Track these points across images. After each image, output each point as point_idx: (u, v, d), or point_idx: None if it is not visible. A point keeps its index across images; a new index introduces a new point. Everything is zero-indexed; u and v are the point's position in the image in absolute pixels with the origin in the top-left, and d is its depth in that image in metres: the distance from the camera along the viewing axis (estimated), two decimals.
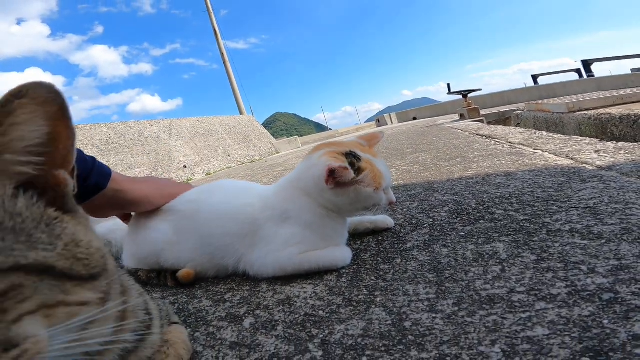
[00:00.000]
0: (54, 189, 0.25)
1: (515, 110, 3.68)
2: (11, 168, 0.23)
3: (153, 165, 4.58)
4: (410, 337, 0.36)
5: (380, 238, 0.63)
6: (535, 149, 1.16)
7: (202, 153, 5.62)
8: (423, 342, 0.34)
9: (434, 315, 0.38)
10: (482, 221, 0.61)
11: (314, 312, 0.44)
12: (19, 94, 0.22)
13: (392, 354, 0.34)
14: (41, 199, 0.25)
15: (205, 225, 0.57)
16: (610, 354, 0.28)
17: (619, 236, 0.46)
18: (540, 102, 3.04)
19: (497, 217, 0.62)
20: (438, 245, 0.55)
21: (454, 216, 0.66)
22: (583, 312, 0.33)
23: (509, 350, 0.31)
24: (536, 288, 0.39)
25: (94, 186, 0.53)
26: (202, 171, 5.24)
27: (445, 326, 0.36)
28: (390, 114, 8.72)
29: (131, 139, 4.71)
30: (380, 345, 0.35)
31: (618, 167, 0.76)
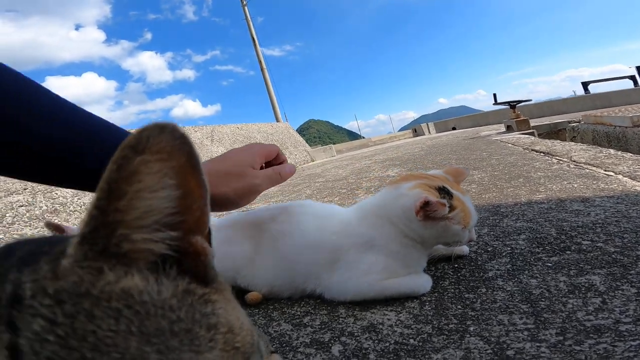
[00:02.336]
0: (193, 260, 0.19)
1: (569, 122, 3.45)
2: (147, 248, 0.17)
3: None
4: None
5: (456, 266, 0.63)
6: (606, 171, 1.09)
7: None
8: None
9: (537, 344, 0.38)
10: (568, 252, 0.59)
11: (404, 341, 0.44)
12: (138, 146, 0.16)
13: None
14: (182, 278, 0.18)
15: (290, 251, 0.58)
16: None
17: None
18: (599, 113, 2.84)
19: (584, 248, 0.59)
20: (525, 276, 0.54)
21: (534, 245, 0.64)
22: None
23: None
24: None
25: None
26: None
27: (553, 354, 0.36)
28: (427, 124, 8.52)
29: None
30: None
31: None
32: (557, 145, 1.82)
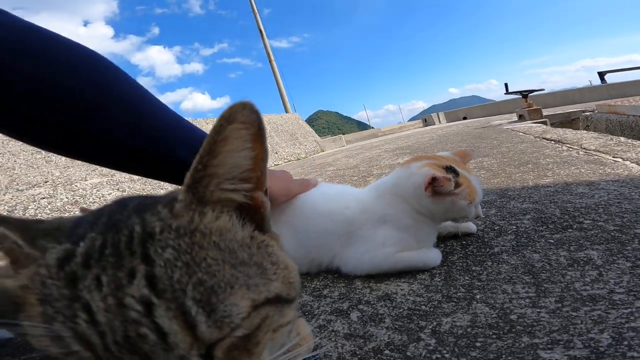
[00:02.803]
0: (255, 212, 0.25)
1: (583, 112, 3.39)
2: (231, 197, 0.23)
3: None
4: (518, 327, 0.40)
5: (464, 242, 0.67)
6: (615, 157, 1.11)
7: None
8: (532, 331, 0.39)
9: (538, 310, 0.43)
10: (570, 230, 0.63)
11: (416, 307, 0.49)
12: (230, 117, 0.21)
13: (504, 340, 0.39)
14: (250, 225, 0.24)
15: (307, 227, 0.63)
16: None
17: None
18: (613, 103, 2.79)
19: (585, 226, 0.63)
20: (528, 251, 0.58)
21: (538, 224, 0.68)
22: None
23: (617, 336, 0.36)
24: (634, 289, 0.43)
25: None
26: None
27: (552, 319, 0.40)
28: (438, 113, 8.44)
29: None
30: (490, 333, 0.40)
31: None
32: (568, 133, 1.83)
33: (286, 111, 8.88)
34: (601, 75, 7.93)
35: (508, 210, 0.80)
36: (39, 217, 3.12)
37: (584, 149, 1.34)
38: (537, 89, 3.70)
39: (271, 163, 5.86)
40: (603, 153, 1.20)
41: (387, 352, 0.41)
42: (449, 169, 0.59)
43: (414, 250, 0.59)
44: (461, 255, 0.62)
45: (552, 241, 0.60)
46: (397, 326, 0.46)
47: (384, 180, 0.67)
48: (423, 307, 0.49)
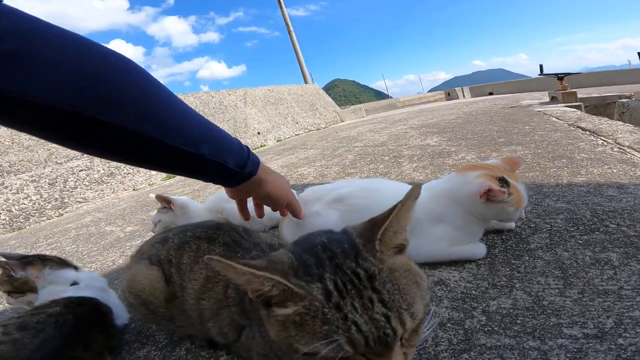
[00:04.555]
0: (402, 247, 0.38)
1: (620, 97, 3.28)
2: (400, 242, 0.37)
3: (232, 131, 5.08)
4: (548, 310, 0.54)
5: (504, 237, 0.80)
6: None
7: (273, 120, 6.00)
8: (559, 314, 0.53)
9: (564, 298, 0.56)
10: (597, 232, 0.74)
11: (467, 292, 0.63)
12: (412, 195, 0.36)
13: (537, 319, 0.52)
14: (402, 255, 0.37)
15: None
16: None
17: None
18: None
19: (610, 230, 0.74)
20: (559, 249, 0.70)
21: (570, 224, 0.80)
22: None
23: (618, 322, 0.49)
24: (638, 287, 0.55)
25: (248, 174, 0.60)
26: (274, 137, 5.64)
27: (574, 306, 0.54)
28: (462, 88, 8.17)
29: (213, 107, 5.24)
30: (527, 314, 0.54)
31: None
32: (603, 123, 1.84)
33: (305, 82, 8.79)
34: None
35: (543, 208, 0.91)
36: (78, 189, 3.36)
37: (619, 144, 1.39)
38: (573, 72, 3.56)
39: (292, 133, 5.95)
40: (636, 151, 1.26)
41: (449, 325, 0.56)
42: (502, 180, 0.70)
43: (464, 244, 0.72)
44: (502, 249, 0.75)
45: (580, 242, 0.72)
46: (454, 306, 0.60)
47: (439, 182, 0.79)
48: (473, 291, 0.63)
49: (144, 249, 0.65)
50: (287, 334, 0.33)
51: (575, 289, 0.58)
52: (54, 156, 3.57)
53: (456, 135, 2.34)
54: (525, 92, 6.12)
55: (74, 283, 0.75)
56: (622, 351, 0.44)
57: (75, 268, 0.80)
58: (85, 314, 0.65)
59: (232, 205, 1.14)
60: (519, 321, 0.53)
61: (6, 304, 1.01)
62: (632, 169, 1.08)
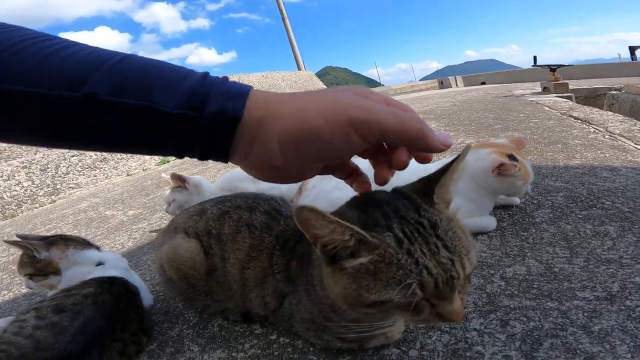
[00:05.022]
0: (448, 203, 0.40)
1: (610, 89, 3.39)
2: (450, 197, 0.39)
3: None
4: (560, 276, 0.60)
5: (510, 212, 0.86)
6: (637, 144, 1.25)
7: None
8: (570, 279, 0.58)
9: (572, 266, 0.62)
10: (594, 208, 0.81)
11: (484, 260, 0.69)
12: (464, 153, 0.37)
13: (552, 284, 0.58)
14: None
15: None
16: None
17: None
18: None
19: (606, 206, 0.81)
20: (562, 223, 0.76)
21: (569, 201, 0.86)
22: None
23: (623, 286, 0.55)
24: (636, 256, 0.61)
25: (217, 115, 0.30)
26: None
27: (582, 272, 0.60)
28: (455, 77, 8.25)
29: None
30: (542, 279, 0.60)
31: None
32: (594, 113, 1.93)
33: (299, 69, 8.70)
34: (632, 49, 7.52)
35: (544, 187, 0.97)
36: (70, 174, 3.29)
37: (609, 132, 1.47)
38: (565, 64, 3.66)
39: None
40: (626, 139, 1.34)
41: (472, 290, 0.61)
42: (511, 157, 0.75)
43: (477, 216, 0.78)
44: (510, 222, 0.81)
45: (580, 216, 0.78)
46: (474, 273, 0.65)
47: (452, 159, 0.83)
48: (489, 260, 0.68)
49: (178, 223, 0.64)
50: (357, 285, 0.35)
51: (581, 258, 0.64)
52: None
53: (453, 122, 2.40)
54: (518, 83, 6.24)
55: (100, 263, 0.72)
56: (632, 311, 0.49)
57: (98, 248, 0.77)
58: (120, 294, 0.62)
59: (245, 184, 1.16)
60: (535, 285, 0.59)
61: (25, 289, 1.01)
62: (623, 154, 1.15)
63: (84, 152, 3.56)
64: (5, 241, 0.69)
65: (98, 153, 3.65)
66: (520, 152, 0.80)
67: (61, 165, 3.40)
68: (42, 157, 3.34)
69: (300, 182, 1.00)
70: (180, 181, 1.11)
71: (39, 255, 0.67)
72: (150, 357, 0.59)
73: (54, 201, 3.00)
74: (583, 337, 0.47)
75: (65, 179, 3.34)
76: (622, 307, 0.50)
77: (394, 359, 0.49)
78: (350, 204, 0.41)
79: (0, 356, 0.48)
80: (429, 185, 0.38)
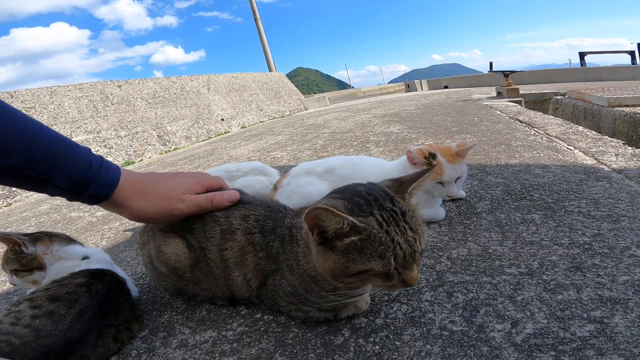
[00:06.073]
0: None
1: (555, 94, 3.76)
2: (413, 194, 0.52)
3: (195, 118, 4.95)
4: (493, 256, 0.73)
5: (457, 204, 0.99)
6: (569, 145, 1.45)
7: (237, 107, 5.93)
8: (500, 258, 0.71)
9: (502, 247, 0.75)
10: (524, 200, 0.96)
11: (434, 244, 0.80)
12: (431, 168, 0.56)
13: (487, 262, 0.71)
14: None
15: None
16: (587, 260, 0.64)
17: (605, 218, 0.80)
18: (583, 91, 3.16)
19: (534, 198, 0.96)
20: (498, 212, 0.91)
21: (505, 194, 1.01)
22: (575, 251, 0.70)
23: (541, 264, 0.68)
24: (554, 239, 0.75)
25: (95, 196, 0.52)
26: (238, 124, 5.59)
27: (510, 253, 0.73)
28: (421, 81, 8.67)
29: (174, 93, 5.04)
30: (479, 259, 0.72)
31: (626, 172, 1.07)
32: (538, 117, 2.17)
33: (270, 70, 8.70)
34: (582, 55, 8.21)
35: (486, 183, 1.12)
36: None
37: (547, 134, 1.68)
38: (518, 70, 4.01)
39: (256, 120, 5.93)
40: (561, 140, 1.54)
41: (424, 269, 0.72)
42: (431, 154, 0.86)
43: (428, 208, 0.90)
44: (456, 213, 0.94)
45: (512, 207, 0.93)
46: (425, 255, 0.77)
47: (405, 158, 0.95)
48: (438, 244, 0.80)
49: None
50: (345, 259, 0.45)
51: (510, 241, 0.77)
52: None
53: (416, 124, 2.57)
54: (477, 87, 6.67)
55: (85, 257, 0.73)
56: (547, 284, 0.61)
57: (81, 244, 0.78)
58: (110, 283, 0.65)
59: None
60: (474, 264, 0.71)
61: (8, 285, 1.00)
62: (555, 154, 1.34)
63: None
64: None
65: None
66: (455, 155, 0.88)
67: None
68: None
69: (277, 179, 1.09)
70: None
71: (26, 250, 0.68)
72: (143, 342, 0.64)
73: (9, 204, 2.84)
74: (509, 305, 0.57)
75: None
76: (540, 281, 0.62)
77: (364, 327, 0.58)
78: (335, 195, 0.51)
79: (1, 346, 0.50)
80: (400, 185, 0.51)
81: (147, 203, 0.56)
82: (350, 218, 0.44)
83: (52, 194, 0.50)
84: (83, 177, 0.49)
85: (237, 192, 0.63)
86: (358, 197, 0.48)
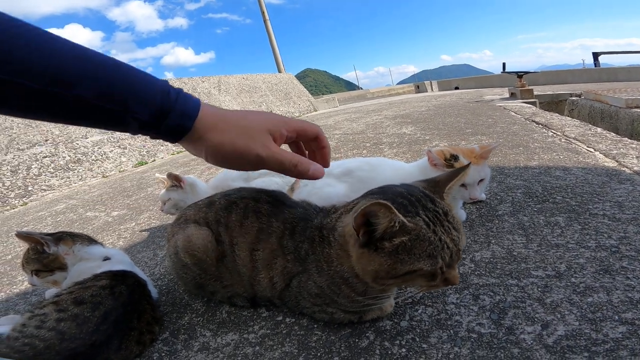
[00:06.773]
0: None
1: (571, 95, 3.69)
2: (449, 194, 0.52)
3: None
4: (518, 258, 0.71)
5: (477, 206, 0.98)
6: (588, 147, 1.42)
7: (247, 108, 5.97)
8: (526, 261, 0.70)
9: (528, 250, 0.73)
10: (547, 203, 0.94)
11: None
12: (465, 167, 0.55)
13: (512, 265, 0.69)
14: None
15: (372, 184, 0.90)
16: (615, 263, 0.62)
17: (630, 221, 0.78)
18: (600, 92, 3.09)
19: (557, 200, 0.94)
20: (520, 215, 0.89)
21: (526, 197, 0.99)
22: (602, 254, 0.68)
23: (569, 266, 0.66)
24: (580, 242, 0.73)
25: (175, 128, 0.42)
26: None
27: (535, 255, 0.71)
28: (431, 81, 8.61)
29: None
30: (504, 261, 0.71)
31: None
32: (554, 118, 2.13)
33: (279, 71, 8.74)
34: (595, 56, 8.01)
35: (506, 185, 1.10)
36: (42, 176, 3.18)
37: (566, 136, 1.64)
38: (531, 71, 3.95)
39: None
40: (580, 142, 1.51)
41: None
42: (453, 156, 0.84)
43: None
44: (477, 215, 0.92)
45: (535, 209, 0.91)
46: None
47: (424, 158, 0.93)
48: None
49: (189, 215, 0.69)
50: (393, 259, 0.45)
51: (534, 243, 0.76)
52: (15, 142, 3.35)
53: (429, 126, 2.55)
54: (488, 88, 6.58)
55: (106, 258, 0.73)
56: (576, 287, 0.60)
57: (102, 244, 0.78)
58: (133, 285, 0.64)
59: (238, 183, 1.21)
60: (498, 266, 0.69)
61: (17, 287, 1.01)
62: (575, 156, 1.31)
63: (57, 154, 3.45)
64: (18, 233, 0.69)
65: (72, 155, 3.54)
66: (479, 157, 0.87)
67: (33, 166, 3.28)
68: (13, 158, 3.21)
69: (292, 181, 1.08)
70: (176, 180, 1.15)
71: (49, 250, 0.69)
72: (165, 345, 0.64)
73: (25, 203, 2.90)
74: (539, 307, 0.56)
75: (37, 180, 3.22)
76: (569, 284, 0.61)
77: (389, 329, 0.57)
78: (374, 197, 0.51)
79: (25, 349, 0.50)
80: (436, 185, 0.51)
81: (224, 137, 0.44)
82: (402, 217, 0.43)
83: (131, 128, 0.42)
84: (163, 105, 0.41)
85: (322, 170, 0.52)
86: (401, 198, 0.47)
